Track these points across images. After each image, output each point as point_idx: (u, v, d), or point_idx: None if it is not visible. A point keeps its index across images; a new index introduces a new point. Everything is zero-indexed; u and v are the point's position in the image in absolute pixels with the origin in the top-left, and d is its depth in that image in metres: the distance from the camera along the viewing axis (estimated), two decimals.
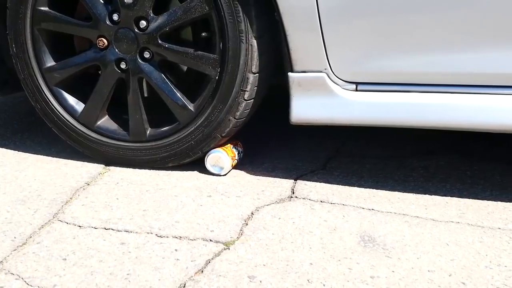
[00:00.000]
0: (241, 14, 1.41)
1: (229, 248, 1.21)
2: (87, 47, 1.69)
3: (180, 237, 1.26)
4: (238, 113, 1.51)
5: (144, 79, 1.59)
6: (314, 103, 1.43)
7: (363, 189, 1.52)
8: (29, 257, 1.17)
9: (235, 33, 1.43)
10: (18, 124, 2.11)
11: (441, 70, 1.35)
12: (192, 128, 1.55)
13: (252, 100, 1.52)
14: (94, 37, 1.56)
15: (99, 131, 1.64)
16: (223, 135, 1.55)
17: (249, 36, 1.43)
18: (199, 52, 1.50)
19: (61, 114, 1.65)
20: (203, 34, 1.64)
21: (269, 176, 1.60)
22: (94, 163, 1.69)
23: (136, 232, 1.28)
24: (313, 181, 1.56)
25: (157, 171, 1.63)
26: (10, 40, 1.61)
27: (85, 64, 1.61)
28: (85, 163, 1.69)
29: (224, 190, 1.50)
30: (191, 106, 1.54)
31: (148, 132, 1.60)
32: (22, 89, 1.69)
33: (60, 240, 1.24)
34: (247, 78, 1.47)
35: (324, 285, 1.08)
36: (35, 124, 2.09)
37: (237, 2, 1.41)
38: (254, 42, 1.44)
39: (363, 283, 1.09)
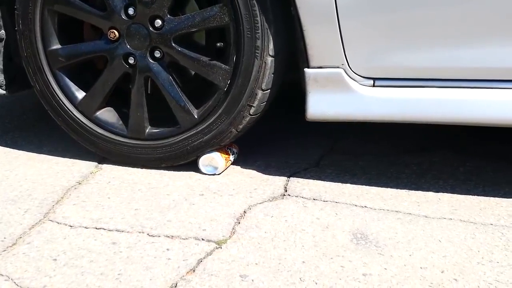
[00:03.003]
0: (260, 30, 1.40)
1: (221, 247, 1.21)
2: (95, 37, 1.66)
3: (172, 236, 1.25)
4: (240, 126, 1.51)
5: (150, 78, 1.57)
6: (330, 99, 1.41)
7: (356, 186, 1.52)
8: (19, 258, 1.16)
9: (251, 49, 1.42)
10: (9, 123, 2.10)
11: (462, 65, 1.33)
12: (192, 133, 1.54)
13: (257, 115, 1.52)
14: (106, 28, 1.53)
15: (97, 122, 1.62)
16: (221, 144, 1.55)
17: (265, 53, 1.42)
18: (212, 62, 1.48)
19: (60, 99, 1.61)
20: (218, 44, 1.62)
21: (262, 174, 1.59)
22: (86, 161, 1.68)
23: (128, 232, 1.27)
24: (306, 179, 1.56)
25: (149, 170, 1.62)
26: (17, 15, 1.56)
27: (93, 53, 1.59)
28: (77, 162, 1.68)
29: (216, 189, 1.50)
30: (194, 112, 1.53)
31: (147, 131, 1.59)
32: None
33: (51, 240, 1.23)
34: (256, 94, 1.46)
35: (316, 283, 1.08)
36: (27, 123, 2.08)
37: (257, 19, 1.39)
38: (269, 60, 1.43)
39: (356, 280, 1.09)
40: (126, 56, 1.54)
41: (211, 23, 1.45)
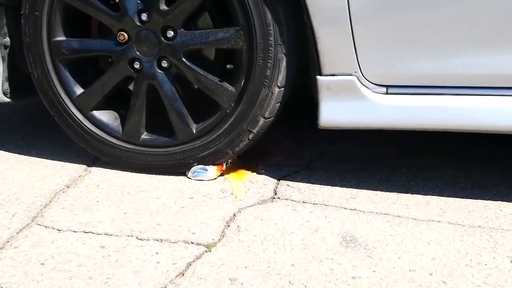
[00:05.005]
0: (272, 60, 1.41)
1: (210, 250, 1.21)
2: (102, 34, 1.64)
3: (161, 239, 1.25)
4: (237, 149, 1.52)
5: (154, 86, 1.55)
6: (343, 106, 1.40)
7: (345, 189, 1.52)
8: (6, 262, 1.15)
9: (261, 77, 1.42)
10: None
11: (478, 72, 1.33)
12: (188, 148, 1.53)
13: (254, 140, 1.52)
14: (116, 29, 1.50)
15: (92, 120, 1.59)
16: (215, 162, 1.55)
17: (273, 83, 1.43)
18: (220, 83, 1.48)
19: (57, 90, 1.58)
20: (228, 66, 1.62)
21: (252, 177, 1.59)
22: (75, 164, 1.67)
23: (117, 235, 1.26)
24: (296, 182, 1.56)
25: (139, 173, 1.61)
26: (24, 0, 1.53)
27: (98, 52, 1.56)
28: (66, 165, 1.67)
29: (206, 192, 1.49)
30: (193, 127, 1.53)
31: (142, 137, 1.57)
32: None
33: (38, 244, 1.22)
34: (258, 121, 1.47)
35: (305, 286, 1.08)
36: (15, 126, 2.06)
37: (271, 49, 1.39)
38: (276, 90, 1.44)
39: (345, 283, 1.09)
40: (132, 60, 1.52)
41: (224, 44, 1.44)
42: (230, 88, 1.47)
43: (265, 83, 1.43)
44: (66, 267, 1.14)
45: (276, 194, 1.49)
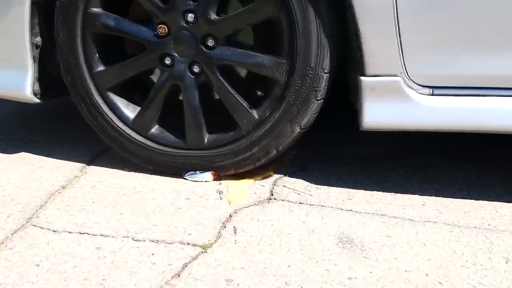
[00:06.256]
0: (302, 101, 1.42)
1: (206, 251, 1.20)
2: (141, 17, 1.60)
3: (157, 240, 1.25)
4: (240, 169, 1.54)
5: (178, 87, 1.53)
6: (387, 108, 1.38)
7: (342, 190, 1.52)
8: (1, 263, 1.14)
9: (287, 113, 1.43)
10: None
11: None
12: (193, 155, 1.53)
13: (257, 166, 1.54)
14: (157, 20, 1.46)
15: (106, 98, 1.56)
16: (215, 172, 1.56)
17: (297, 123, 1.45)
18: (245, 104, 1.47)
19: (79, 62, 1.53)
20: (259, 93, 1.61)
21: (248, 178, 1.59)
22: (70, 165, 1.66)
23: (112, 236, 1.26)
24: (292, 183, 1.56)
25: (135, 174, 1.61)
26: None
27: (133, 36, 1.51)
28: (61, 166, 1.66)
29: (202, 193, 1.49)
30: (205, 138, 1.52)
31: (151, 130, 1.55)
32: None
33: (34, 246, 1.22)
34: (269, 152, 1.49)
35: (302, 287, 1.08)
36: (10, 127, 2.05)
37: (306, 90, 1.40)
38: (297, 130, 1.46)
39: (341, 284, 1.09)
40: (164, 55, 1.49)
41: (262, 71, 1.44)
42: (254, 113, 1.47)
43: (288, 119, 1.44)
44: (61, 268, 1.13)
45: (272, 195, 1.49)
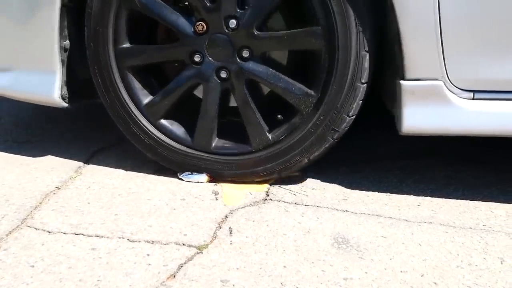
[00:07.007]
0: (312, 138, 1.43)
1: (202, 252, 1.20)
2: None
3: (153, 241, 1.24)
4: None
5: (198, 85, 1.52)
6: (427, 112, 1.36)
7: (337, 190, 1.52)
8: None
9: (299, 147, 1.45)
10: None
11: None
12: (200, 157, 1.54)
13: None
14: (198, 16, 1.44)
15: (125, 77, 1.52)
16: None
17: (306, 156, 1.46)
18: (260, 126, 1.47)
19: (107, 32, 1.49)
20: (279, 116, 1.59)
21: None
22: (65, 166, 1.65)
23: (107, 237, 1.26)
24: (288, 183, 1.56)
25: (131, 174, 1.61)
26: None
27: (169, 24, 1.47)
28: (56, 167, 1.66)
29: (198, 193, 1.49)
30: (213, 142, 1.52)
31: (160, 120, 1.54)
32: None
33: (28, 247, 1.21)
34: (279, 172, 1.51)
35: (297, 287, 1.08)
36: (5, 127, 2.04)
37: (321, 130, 1.42)
38: (305, 161, 1.47)
39: (336, 285, 1.09)
40: (195, 52, 1.46)
41: (288, 97, 1.43)
42: (269, 135, 1.47)
43: (300, 150, 1.45)
44: (56, 269, 1.13)
45: (268, 195, 1.49)
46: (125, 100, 1.54)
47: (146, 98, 1.54)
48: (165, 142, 1.54)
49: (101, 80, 1.54)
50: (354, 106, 1.40)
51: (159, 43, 1.66)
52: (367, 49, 1.35)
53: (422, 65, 1.33)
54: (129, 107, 1.54)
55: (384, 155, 1.79)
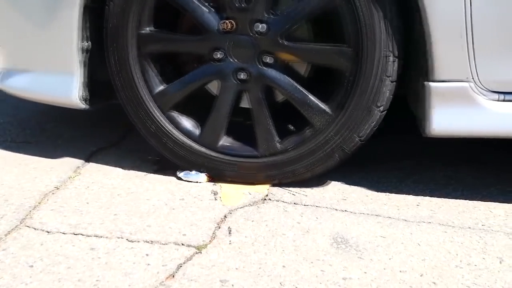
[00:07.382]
0: (323, 150, 1.43)
1: (201, 252, 1.20)
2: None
3: (152, 241, 1.24)
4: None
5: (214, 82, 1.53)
6: (455, 114, 1.34)
7: (336, 190, 1.52)
8: None
9: (305, 159, 1.45)
10: None
11: None
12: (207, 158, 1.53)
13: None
14: (226, 15, 1.42)
15: (142, 63, 1.50)
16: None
17: (312, 170, 1.48)
18: (270, 134, 1.47)
19: (131, 11, 1.46)
20: (290, 127, 1.58)
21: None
22: (64, 166, 1.65)
23: (106, 237, 1.26)
24: (287, 183, 1.56)
25: (130, 174, 1.61)
26: None
27: (194, 17, 1.46)
28: (55, 167, 1.65)
29: (197, 193, 1.49)
30: (220, 141, 1.52)
31: (170, 112, 1.53)
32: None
33: (27, 247, 1.21)
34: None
35: (296, 287, 1.08)
36: (3, 127, 2.04)
37: (332, 143, 1.42)
38: (308, 175, 1.48)
39: (336, 285, 1.09)
40: (217, 49, 1.45)
41: (304, 110, 1.42)
42: (278, 144, 1.47)
43: (307, 163, 1.45)
44: (55, 270, 1.13)
45: (267, 195, 1.49)
46: (137, 84, 1.51)
47: (159, 86, 1.53)
48: (172, 133, 1.52)
49: (119, 61, 1.51)
50: (366, 128, 1.40)
51: (182, 32, 1.62)
52: (388, 75, 1.35)
53: (451, 66, 1.31)
54: (141, 93, 1.51)
55: (383, 156, 1.79)
